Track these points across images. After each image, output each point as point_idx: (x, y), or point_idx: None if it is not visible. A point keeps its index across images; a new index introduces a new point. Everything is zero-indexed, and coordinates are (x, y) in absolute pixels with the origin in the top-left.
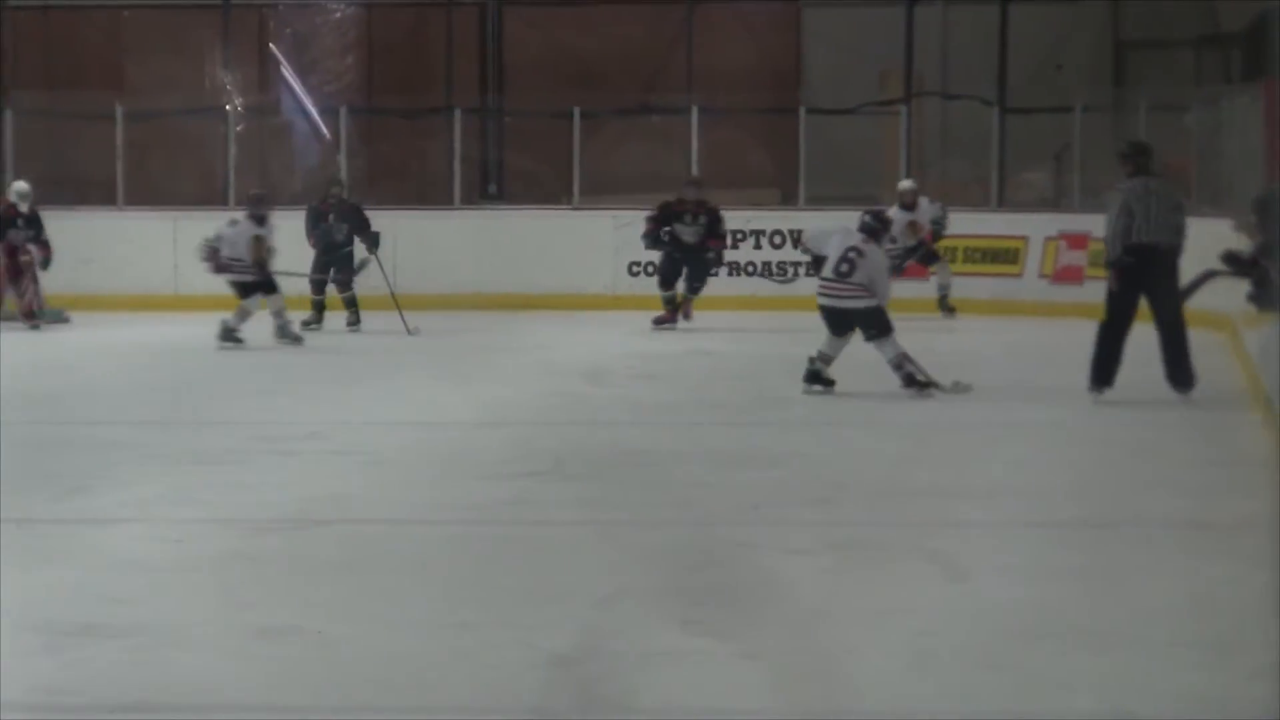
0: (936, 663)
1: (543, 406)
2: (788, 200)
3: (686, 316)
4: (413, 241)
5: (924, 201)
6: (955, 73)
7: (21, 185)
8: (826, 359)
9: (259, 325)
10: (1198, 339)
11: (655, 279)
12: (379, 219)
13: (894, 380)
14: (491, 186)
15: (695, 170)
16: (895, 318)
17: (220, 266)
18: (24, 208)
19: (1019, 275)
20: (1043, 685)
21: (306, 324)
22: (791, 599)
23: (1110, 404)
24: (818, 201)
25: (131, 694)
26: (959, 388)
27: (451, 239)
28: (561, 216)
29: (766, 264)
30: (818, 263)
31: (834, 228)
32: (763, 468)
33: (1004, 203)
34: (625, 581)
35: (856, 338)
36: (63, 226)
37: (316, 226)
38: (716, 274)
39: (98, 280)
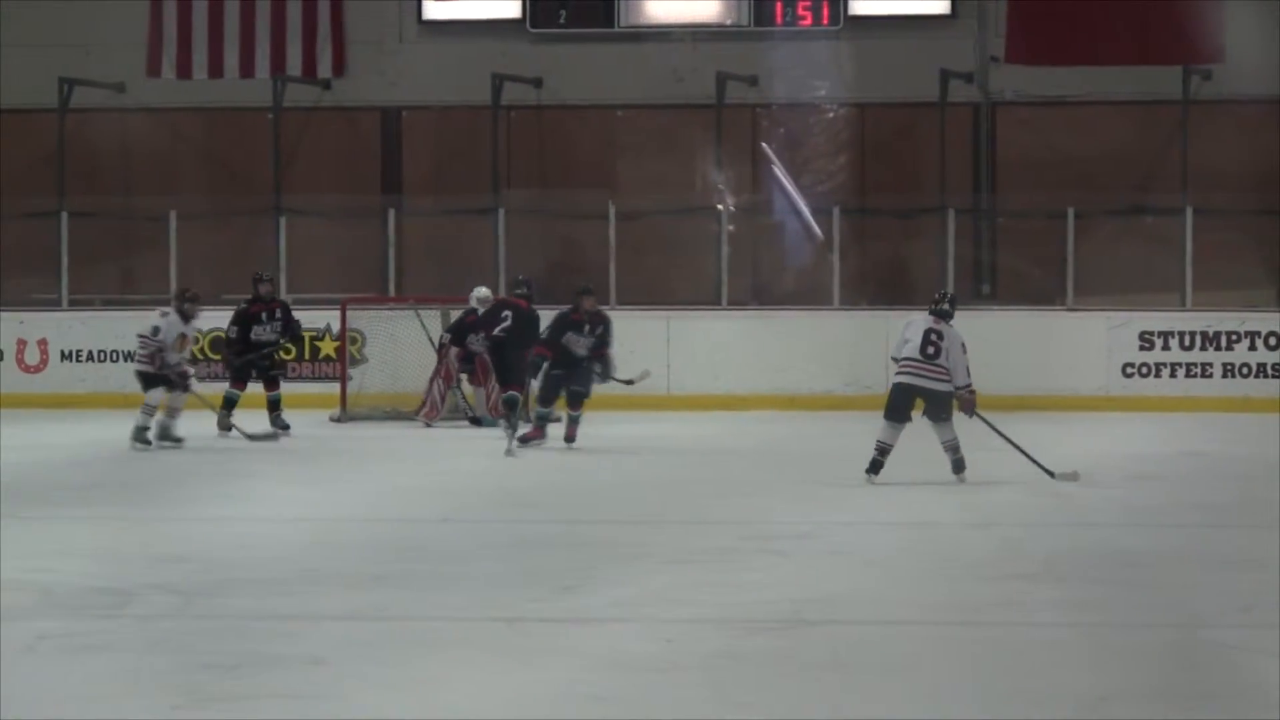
0: None
1: (1032, 508)
2: None
3: (569, 440)
4: None
5: None
6: None
7: (483, 291)
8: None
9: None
10: None
11: (538, 395)
12: (863, 317)
13: None
14: (984, 286)
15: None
16: None
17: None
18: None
19: None
20: None
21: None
22: None
23: None
24: None
25: None
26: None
27: None
28: (1054, 317)
29: (1261, 365)
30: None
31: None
32: (1254, 570)
33: None
34: (1115, 684)
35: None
36: None
37: (247, 329)
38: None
39: None
